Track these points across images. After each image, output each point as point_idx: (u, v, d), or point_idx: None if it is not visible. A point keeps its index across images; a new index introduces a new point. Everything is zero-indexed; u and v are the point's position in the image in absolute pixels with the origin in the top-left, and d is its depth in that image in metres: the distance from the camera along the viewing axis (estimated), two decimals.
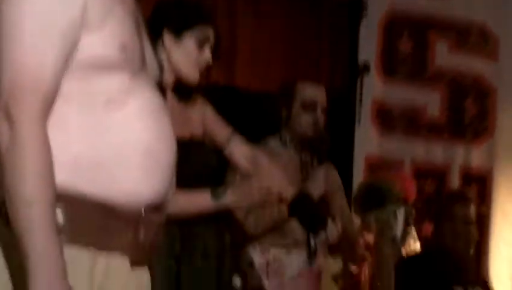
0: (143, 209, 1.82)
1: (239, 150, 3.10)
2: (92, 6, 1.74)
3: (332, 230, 3.05)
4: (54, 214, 1.67)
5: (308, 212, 2.99)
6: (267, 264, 3.55)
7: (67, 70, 1.74)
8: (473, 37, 5.53)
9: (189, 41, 2.94)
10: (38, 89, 1.68)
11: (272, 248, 3.57)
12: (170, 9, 2.98)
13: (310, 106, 3.69)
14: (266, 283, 3.55)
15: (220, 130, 3.10)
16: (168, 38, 2.94)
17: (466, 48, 5.52)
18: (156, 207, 1.86)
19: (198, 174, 2.94)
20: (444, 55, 5.47)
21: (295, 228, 3.50)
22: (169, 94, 2.99)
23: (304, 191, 3.15)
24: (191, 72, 2.95)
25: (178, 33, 2.93)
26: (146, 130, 1.82)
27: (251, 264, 3.54)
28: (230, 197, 2.86)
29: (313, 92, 3.72)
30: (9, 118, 1.66)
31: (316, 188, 3.40)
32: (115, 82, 1.78)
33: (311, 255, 3.62)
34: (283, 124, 3.74)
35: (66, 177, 1.71)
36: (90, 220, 1.75)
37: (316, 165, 3.66)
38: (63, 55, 1.72)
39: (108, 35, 1.77)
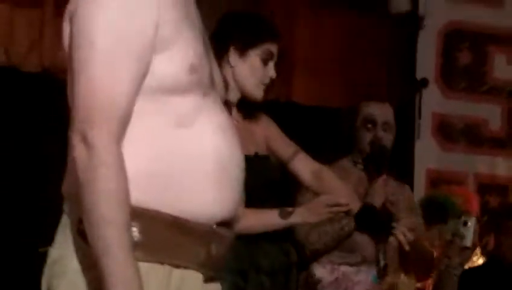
0: (215, 225, 1.84)
1: (303, 165, 3.10)
2: (163, 27, 1.76)
3: (401, 233, 3.01)
4: (130, 233, 1.70)
5: (374, 221, 2.98)
6: (337, 281, 3.53)
7: (140, 91, 1.76)
8: None
9: (254, 59, 2.96)
10: (114, 112, 1.71)
11: (341, 266, 3.54)
12: (236, 26, 2.99)
13: (369, 123, 3.68)
14: None
15: (284, 146, 3.11)
16: (233, 55, 2.95)
17: None
18: (226, 222, 1.88)
19: (262, 189, 2.95)
20: (503, 67, 5.41)
21: (364, 244, 3.48)
22: (234, 111, 3.01)
23: (366, 202, 3.15)
24: (255, 89, 2.97)
25: (244, 50, 2.95)
26: (216, 147, 1.84)
27: (319, 281, 3.52)
28: (298, 216, 2.86)
29: (372, 110, 3.71)
30: (86, 141, 1.69)
31: (375, 197, 3.37)
32: (185, 102, 1.81)
33: (381, 271, 3.60)
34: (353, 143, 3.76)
35: (139, 194, 1.73)
36: (164, 237, 1.77)
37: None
38: (137, 77, 1.74)
39: (178, 56, 1.78)
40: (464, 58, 5.32)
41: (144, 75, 1.75)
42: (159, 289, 1.77)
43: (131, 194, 1.72)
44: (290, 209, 2.89)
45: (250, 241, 2.85)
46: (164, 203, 1.77)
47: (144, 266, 1.72)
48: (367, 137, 3.68)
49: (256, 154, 3.00)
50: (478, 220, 4.33)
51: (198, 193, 1.81)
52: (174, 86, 1.79)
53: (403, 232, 2.94)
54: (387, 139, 3.71)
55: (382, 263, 3.57)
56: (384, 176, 3.54)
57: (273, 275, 2.95)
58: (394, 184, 3.76)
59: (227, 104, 2.97)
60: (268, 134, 3.11)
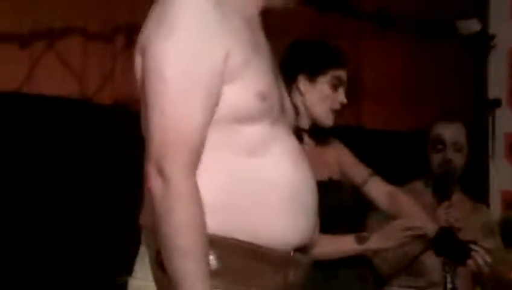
0: (292, 251, 1.85)
1: (378, 188, 3.09)
2: (232, 57, 1.78)
3: (480, 257, 2.96)
4: (207, 263, 1.73)
5: (452, 244, 2.94)
6: None
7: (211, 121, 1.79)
8: None
9: (324, 85, 2.98)
10: (189, 144, 1.75)
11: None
12: (304, 53, 3.02)
13: (438, 144, 3.64)
14: None
15: (357, 170, 3.11)
16: (302, 83, 2.98)
17: None
18: (303, 248, 1.90)
19: (336, 214, 2.94)
20: None
21: (431, 268, 3.44)
22: (306, 137, 3.02)
23: (443, 226, 3.11)
24: (326, 115, 2.99)
25: (313, 77, 2.97)
26: (289, 174, 1.86)
27: None
28: (375, 241, 2.84)
29: (441, 130, 3.68)
30: (162, 174, 1.72)
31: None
32: (257, 131, 1.83)
33: None
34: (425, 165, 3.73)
35: (216, 223, 1.76)
36: (241, 264, 1.79)
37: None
38: (209, 108, 1.77)
39: (248, 85, 1.81)
40: None
41: (215, 106, 1.78)
42: None
43: (207, 223, 1.74)
44: (366, 234, 2.88)
45: (325, 267, 2.84)
46: (240, 232, 1.79)
47: None
48: (437, 158, 3.64)
49: (330, 179, 3.01)
50: None
51: (274, 221, 1.83)
52: (245, 114, 1.81)
53: (481, 256, 2.89)
54: (459, 160, 3.66)
55: (449, 286, 3.52)
56: (448, 202, 3.48)
57: None
58: (469, 205, 3.71)
59: (298, 130, 2.99)
60: (340, 158, 3.12)
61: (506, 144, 5.13)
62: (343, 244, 2.86)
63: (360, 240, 2.84)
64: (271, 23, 4.33)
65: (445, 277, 3.50)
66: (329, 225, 2.84)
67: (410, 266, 3.49)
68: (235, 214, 1.80)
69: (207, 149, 1.78)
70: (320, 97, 2.99)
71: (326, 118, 3.00)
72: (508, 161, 5.14)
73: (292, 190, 1.85)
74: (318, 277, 2.84)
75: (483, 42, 5.03)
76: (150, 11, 1.86)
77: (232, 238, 1.78)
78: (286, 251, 1.85)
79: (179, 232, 1.71)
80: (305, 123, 3.02)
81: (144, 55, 1.80)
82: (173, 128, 1.74)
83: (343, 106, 3.04)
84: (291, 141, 1.92)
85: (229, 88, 1.79)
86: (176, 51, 1.75)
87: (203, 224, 1.74)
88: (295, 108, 2.96)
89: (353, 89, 3.69)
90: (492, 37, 5.05)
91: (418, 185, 3.69)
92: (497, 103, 5.03)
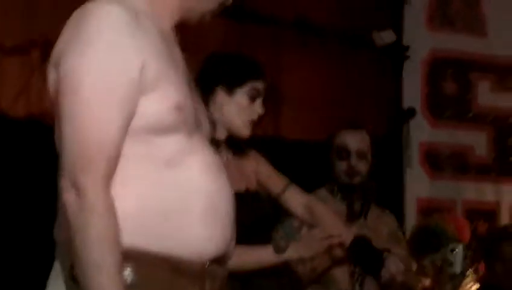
0: (207, 263, 1.86)
1: (295, 199, 3.10)
2: (148, 68, 1.79)
3: (393, 265, 3.00)
4: (121, 276, 1.73)
5: (366, 253, 2.97)
6: None
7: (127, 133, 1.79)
8: None
9: (241, 97, 2.98)
10: (104, 157, 1.74)
11: None
12: (222, 65, 3.01)
13: (342, 153, 3.69)
14: None
15: (274, 180, 3.12)
16: (220, 95, 2.97)
17: (508, 86, 5.50)
18: (219, 259, 1.90)
19: (254, 225, 2.94)
20: (487, 95, 5.45)
21: (341, 278, 3.48)
22: (223, 149, 3.02)
23: (359, 234, 3.14)
24: (243, 127, 2.99)
25: (231, 89, 2.97)
26: (206, 185, 1.86)
27: None
28: (293, 251, 2.85)
29: (345, 139, 3.72)
30: (76, 187, 1.72)
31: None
32: (173, 143, 1.83)
33: None
34: (329, 173, 3.75)
35: (131, 235, 1.76)
36: (157, 276, 1.79)
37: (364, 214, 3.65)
38: (124, 120, 1.77)
39: (163, 96, 1.81)
40: (449, 86, 5.36)
41: (130, 118, 1.77)
42: None
43: (123, 236, 1.74)
44: (284, 244, 2.88)
45: (245, 279, 2.84)
46: (156, 244, 1.79)
47: None
48: (342, 166, 3.68)
49: (247, 190, 3.00)
50: (468, 247, 4.36)
51: (190, 232, 1.83)
52: (160, 125, 1.81)
53: (395, 265, 2.92)
54: (362, 167, 3.70)
55: None
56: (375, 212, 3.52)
57: None
58: (376, 213, 3.75)
59: (215, 142, 2.99)
60: (258, 169, 3.12)
61: (420, 153, 5.23)
62: (262, 256, 2.86)
63: (279, 250, 2.85)
64: (188, 35, 4.33)
65: (353, 286, 3.55)
66: (248, 236, 2.86)
67: (318, 280, 3.51)
68: (151, 226, 1.79)
69: (123, 161, 1.78)
70: (238, 109, 2.98)
71: (243, 129, 3.00)
72: (423, 169, 5.23)
73: (209, 201, 1.86)
74: (237, 288, 2.85)
75: (398, 52, 5.12)
76: (65, 24, 1.85)
77: (149, 251, 1.78)
78: (202, 263, 1.85)
79: (93, 246, 1.70)
80: (222, 134, 3.01)
81: (57, 68, 1.79)
82: (88, 142, 1.73)
83: (260, 116, 3.05)
84: (208, 152, 1.93)
85: (144, 99, 1.79)
86: (91, 64, 1.74)
87: (117, 237, 1.73)
88: (212, 120, 2.97)
89: (272, 100, 3.73)
90: (407, 48, 5.15)
91: (323, 192, 3.71)
92: (411, 112, 5.13)
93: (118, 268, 1.71)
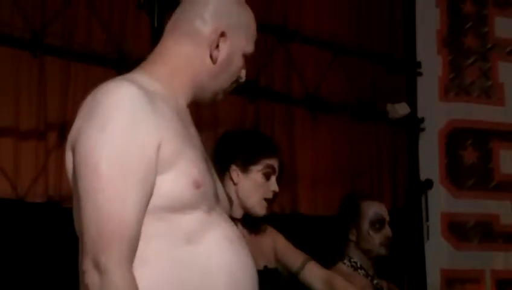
0: None
1: (315, 274, 3.07)
2: (164, 147, 1.81)
3: None
4: None
5: None
6: None
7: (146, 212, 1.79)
8: None
9: (256, 175, 2.98)
10: (124, 236, 1.75)
11: None
12: (236, 143, 3.03)
13: (377, 223, 3.66)
14: None
15: (293, 256, 3.09)
16: (235, 173, 2.98)
17: None
18: None
19: None
20: (509, 163, 5.43)
21: None
22: (240, 227, 3.01)
23: None
24: (259, 204, 2.99)
25: (245, 167, 2.98)
26: (226, 261, 1.87)
27: None
28: None
29: (377, 209, 3.69)
30: (98, 267, 1.72)
31: None
32: (192, 219, 1.84)
33: None
34: (351, 246, 3.70)
35: None
36: None
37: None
38: (143, 199, 1.78)
39: (181, 174, 1.83)
40: (469, 156, 5.34)
41: (149, 196, 1.79)
42: None
43: None
44: None
45: None
46: None
47: None
48: (378, 238, 3.63)
49: (265, 268, 2.98)
50: None
51: None
52: (179, 203, 1.82)
53: None
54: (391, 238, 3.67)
55: None
56: None
57: None
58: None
59: (232, 220, 2.99)
60: (276, 245, 3.10)
61: (442, 224, 5.19)
62: None
63: None
64: (204, 113, 4.38)
65: None
66: None
67: None
68: None
69: (143, 240, 1.78)
70: (253, 186, 2.99)
71: (259, 207, 3.00)
72: (446, 240, 5.18)
73: (229, 276, 1.86)
74: None
75: (413, 125, 5.13)
76: (80, 105, 1.87)
77: None
78: None
79: None
80: (238, 212, 3.01)
81: (75, 149, 1.81)
82: (108, 221, 1.74)
83: (275, 194, 3.05)
84: (228, 227, 1.93)
85: (162, 178, 1.81)
86: (109, 145, 1.76)
87: None
88: (228, 198, 2.97)
89: (287, 177, 3.72)
90: (422, 120, 5.16)
91: (344, 268, 3.65)
92: (429, 183, 5.10)
93: None
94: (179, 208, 1.83)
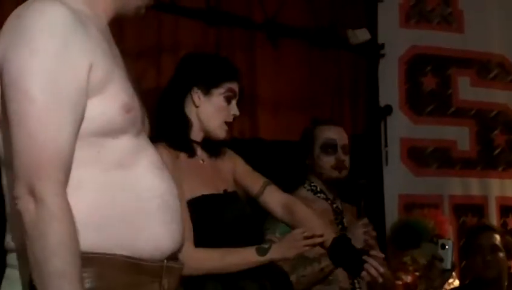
0: (165, 260, 1.88)
1: (274, 198, 3.09)
2: (96, 70, 1.79)
3: (374, 268, 2.96)
4: (82, 280, 1.70)
5: (347, 255, 2.95)
6: None
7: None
8: (493, 70, 5.54)
9: (218, 98, 2.98)
10: (60, 163, 1.73)
11: None
12: (199, 65, 3.01)
13: (328, 147, 3.68)
14: None
15: (253, 180, 3.10)
16: (196, 95, 2.98)
17: (487, 80, 5.53)
18: (174, 255, 1.94)
19: (234, 226, 2.94)
20: (467, 89, 5.47)
21: (342, 276, 3.47)
22: (199, 150, 3.02)
23: (340, 234, 3.12)
24: (219, 128, 2.99)
25: (208, 89, 2.98)
26: (157, 183, 1.90)
27: None
28: (276, 251, 2.85)
29: (330, 133, 3.72)
30: (33, 194, 1.69)
31: (356, 241, 3.34)
32: (122, 144, 1.85)
33: None
34: (310, 171, 3.74)
35: (90, 240, 1.76)
36: (118, 279, 1.80)
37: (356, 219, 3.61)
38: (76, 124, 1.77)
39: (111, 97, 1.82)
40: (428, 82, 5.37)
41: (81, 121, 1.77)
42: None
43: (83, 239, 1.72)
44: (266, 245, 2.87)
45: (227, 280, 2.84)
46: (115, 246, 1.80)
47: None
48: (329, 161, 3.67)
49: (225, 191, 2.99)
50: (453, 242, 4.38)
51: (148, 231, 1.85)
52: (110, 127, 1.82)
53: (375, 267, 2.89)
54: (347, 162, 3.70)
55: None
56: (365, 219, 3.49)
57: None
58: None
59: (191, 143, 2.99)
60: (235, 169, 3.11)
61: (402, 149, 5.23)
62: (245, 257, 2.85)
63: (261, 251, 2.84)
64: (164, 38, 4.34)
65: (352, 283, 3.55)
66: (228, 237, 2.88)
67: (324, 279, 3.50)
68: (108, 230, 1.80)
69: (75, 165, 1.77)
70: (215, 110, 2.99)
71: (220, 130, 3.00)
72: (405, 166, 5.24)
73: (161, 198, 1.89)
74: (219, 289, 2.85)
75: (374, 51, 5.14)
76: (5, 24, 1.81)
77: (106, 254, 1.78)
78: (160, 260, 1.87)
79: (54, 254, 1.67)
80: (198, 136, 3.02)
81: (3, 71, 1.76)
82: (43, 149, 1.70)
83: (235, 118, 3.06)
84: (153, 152, 1.95)
85: (92, 102, 1.79)
86: (40, 69, 1.72)
87: (77, 244, 1.71)
88: (188, 121, 2.98)
89: (247, 101, 3.72)
90: (382, 46, 5.17)
91: (304, 192, 3.68)
92: (388, 109, 5.13)
93: (79, 275, 1.69)
94: (109, 132, 1.82)
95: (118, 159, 1.84)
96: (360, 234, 3.42)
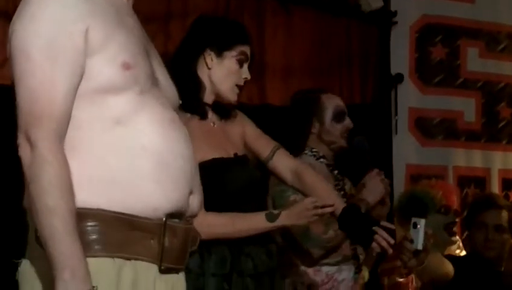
0: (164, 218, 1.94)
1: (284, 163, 3.07)
2: (92, 32, 1.92)
3: (384, 239, 2.93)
4: (75, 221, 1.83)
5: (357, 225, 2.92)
6: (322, 283, 3.50)
7: (76, 97, 1.92)
8: (502, 42, 5.51)
9: (230, 61, 2.97)
10: (53, 114, 1.88)
11: (324, 266, 3.51)
12: (212, 28, 3.00)
13: (340, 115, 3.66)
14: None
15: (262, 144, 3.08)
16: (209, 57, 2.96)
17: (496, 52, 5.50)
18: (179, 215, 1.99)
19: (244, 190, 2.93)
20: (475, 61, 5.45)
21: (345, 243, 3.47)
22: (210, 113, 3.00)
23: (350, 203, 3.10)
24: (230, 91, 2.99)
25: (220, 52, 2.96)
26: (155, 141, 1.97)
27: (303, 283, 3.49)
28: (285, 218, 2.84)
29: (338, 101, 3.70)
30: (29, 141, 1.86)
31: (372, 195, 3.32)
32: (122, 102, 1.95)
33: (359, 267, 3.58)
34: (312, 138, 3.69)
35: (86, 195, 1.88)
36: (113, 233, 1.90)
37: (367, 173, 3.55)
38: (72, 79, 1.91)
39: (111, 56, 1.94)
40: (437, 52, 5.35)
41: (78, 77, 1.92)
42: (109, 283, 1.88)
43: (80, 197, 1.86)
44: (276, 211, 2.86)
45: (233, 244, 2.84)
46: (110, 202, 1.90)
47: (92, 261, 1.84)
48: (340, 129, 3.64)
49: (235, 155, 2.98)
50: (457, 214, 4.34)
51: (140, 189, 1.93)
52: (109, 84, 1.94)
53: (385, 238, 2.86)
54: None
55: (361, 257, 3.55)
56: (377, 170, 3.45)
57: (258, 277, 2.92)
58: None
59: (203, 105, 2.98)
60: (245, 132, 3.09)
61: (409, 119, 5.22)
62: (254, 222, 2.84)
63: (271, 218, 2.83)
64: (172, 3, 4.32)
65: (355, 249, 3.54)
66: (237, 201, 2.87)
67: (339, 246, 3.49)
68: (103, 185, 1.91)
69: (76, 126, 1.92)
70: (227, 72, 2.97)
71: (231, 93, 2.99)
72: (412, 135, 5.23)
73: (156, 157, 1.95)
74: (225, 254, 2.84)
75: (386, 19, 5.11)
76: None
77: (102, 209, 1.89)
78: (157, 218, 1.94)
79: (45, 192, 1.81)
80: (209, 98, 3.00)
81: (11, 38, 1.94)
82: (38, 100, 1.87)
83: (246, 82, 3.03)
84: (161, 110, 2.01)
85: (92, 61, 1.92)
86: (38, 33, 1.90)
87: (69, 186, 1.84)
88: (200, 83, 2.96)
89: (256, 67, 3.69)
90: (395, 13, 5.13)
91: (308, 158, 3.62)
92: (400, 77, 5.12)
93: (71, 213, 1.82)
94: (109, 89, 1.93)
95: (118, 115, 1.94)
96: (377, 182, 3.38)
